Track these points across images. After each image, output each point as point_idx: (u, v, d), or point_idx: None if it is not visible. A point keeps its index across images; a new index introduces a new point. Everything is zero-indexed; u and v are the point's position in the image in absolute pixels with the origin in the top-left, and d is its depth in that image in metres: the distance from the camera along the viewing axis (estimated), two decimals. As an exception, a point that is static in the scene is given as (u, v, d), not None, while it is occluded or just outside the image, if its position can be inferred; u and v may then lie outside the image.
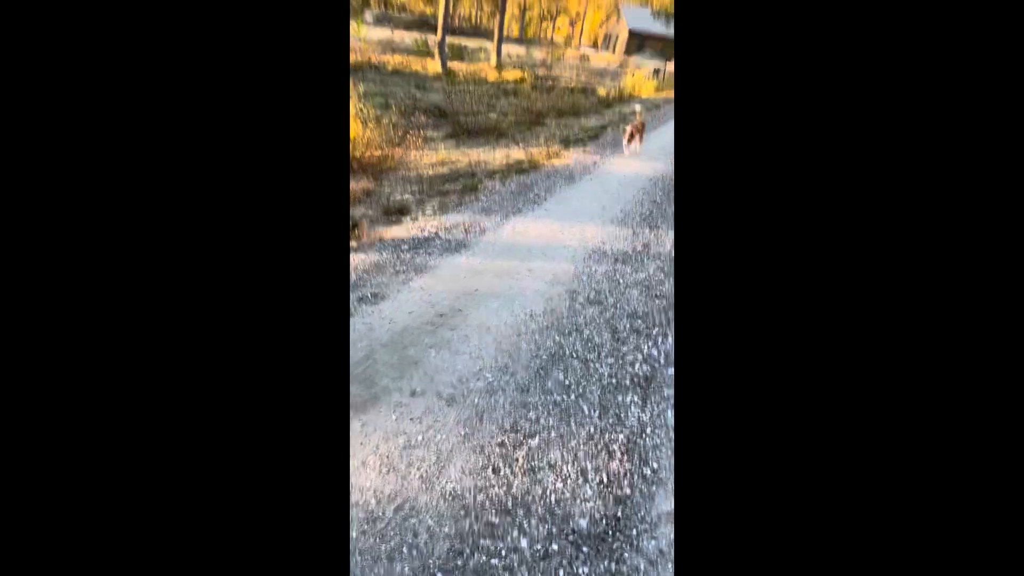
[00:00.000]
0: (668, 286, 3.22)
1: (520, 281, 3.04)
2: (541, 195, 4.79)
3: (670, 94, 14.85)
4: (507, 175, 5.43)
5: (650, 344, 2.56)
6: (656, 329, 2.71)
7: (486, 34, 31.66)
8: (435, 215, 4.04)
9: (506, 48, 22.31)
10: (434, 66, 13.62)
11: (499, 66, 15.43)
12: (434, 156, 6.14)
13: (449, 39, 17.02)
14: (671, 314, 2.87)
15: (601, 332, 2.62)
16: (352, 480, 1.64)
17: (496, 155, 6.40)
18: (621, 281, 3.22)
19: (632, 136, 6.87)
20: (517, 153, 6.43)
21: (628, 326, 2.71)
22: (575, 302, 2.88)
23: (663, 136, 8.43)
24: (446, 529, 1.52)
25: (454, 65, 14.85)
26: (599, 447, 1.87)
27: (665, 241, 3.96)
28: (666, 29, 20.43)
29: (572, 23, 53.54)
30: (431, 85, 11.07)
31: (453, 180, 5.29)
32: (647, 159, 6.68)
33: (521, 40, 36.24)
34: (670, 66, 21.82)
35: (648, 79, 15.95)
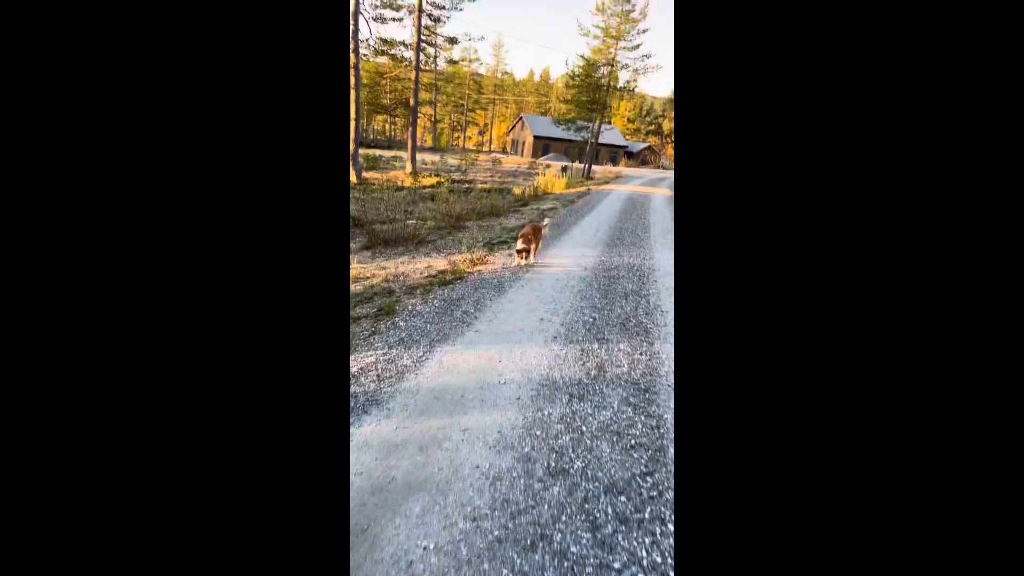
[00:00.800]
0: (640, 427, 2.50)
1: (454, 453, 2.18)
2: (470, 312, 4.06)
3: (581, 188, 15.41)
4: (429, 289, 4.70)
5: (648, 542, 1.76)
6: (647, 509, 1.92)
7: (400, 145, 32.66)
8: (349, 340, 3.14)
9: (421, 156, 22.80)
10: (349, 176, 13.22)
11: (415, 173, 15.38)
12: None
13: (364, 151, 16.97)
14: (658, 476, 2.12)
15: (577, 532, 1.79)
16: None
17: (417, 265, 5.71)
18: (584, 429, 2.45)
19: (526, 252, 5.62)
20: (439, 262, 5.78)
21: (610, 511, 1.90)
22: (532, 478, 2.05)
23: (585, 231, 8.26)
24: None
25: (369, 175, 14.58)
26: None
27: (620, 359, 3.31)
28: (566, 133, 22.00)
29: (481, 132, 57.52)
30: (345, 195, 10.50)
31: (367, 301, 4.47)
32: (577, 257, 6.30)
33: (435, 149, 37.83)
34: (576, 164, 23.25)
35: (558, 177, 16.60)
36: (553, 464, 2.15)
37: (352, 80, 13.01)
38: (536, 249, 5.82)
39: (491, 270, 5.46)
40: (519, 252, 5.61)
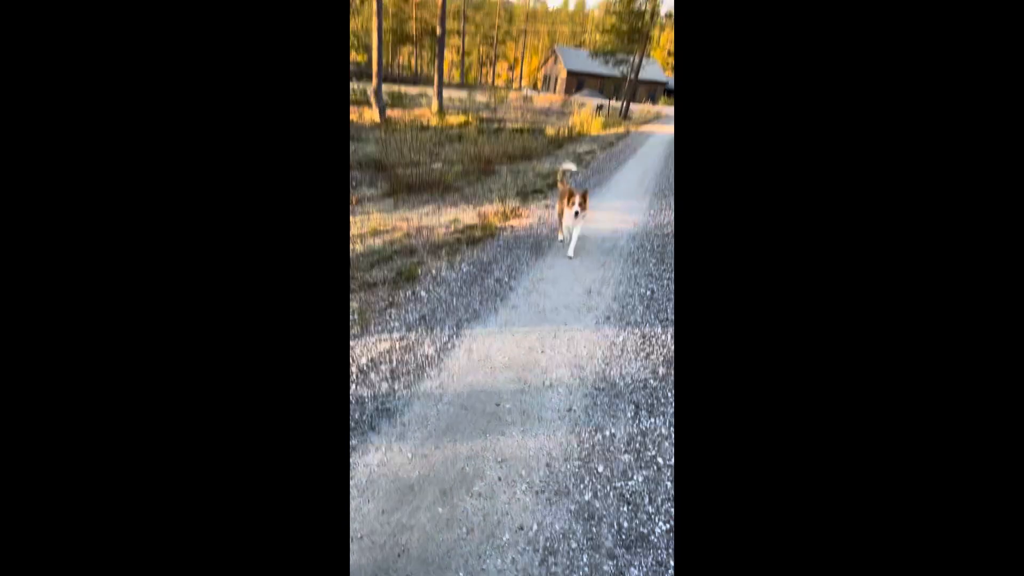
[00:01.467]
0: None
1: (488, 503, 1.58)
2: (504, 280, 3.39)
3: (619, 129, 14.07)
4: (456, 249, 4.03)
5: None
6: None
7: (426, 80, 30.94)
8: (350, 340, 2.56)
9: (447, 92, 21.37)
10: (371, 114, 12.29)
11: (441, 111, 14.28)
12: (365, 223, 4.69)
13: (388, 86, 15.85)
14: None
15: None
16: None
17: (442, 218, 5.01)
18: (661, 462, 1.82)
19: (573, 202, 3.71)
20: (467, 215, 5.06)
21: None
22: (598, 551, 1.45)
23: (629, 178, 7.31)
24: None
25: (393, 113, 13.58)
26: None
27: (693, 350, 2.63)
28: (603, 68, 20.09)
29: (511, 67, 54.36)
30: (367, 135, 9.68)
31: (386, 261, 3.84)
32: (623, 210, 5.46)
33: (463, 85, 35.80)
34: (613, 102, 21.46)
35: (593, 116, 15.19)
36: (626, 524, 1.54)
37: (374, 6, 11.75)
38: (584, 212, 3.79)
39: (525, 225, 4.72)
40: (566, 210, 3.78)
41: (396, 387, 2.15)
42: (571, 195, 3.75)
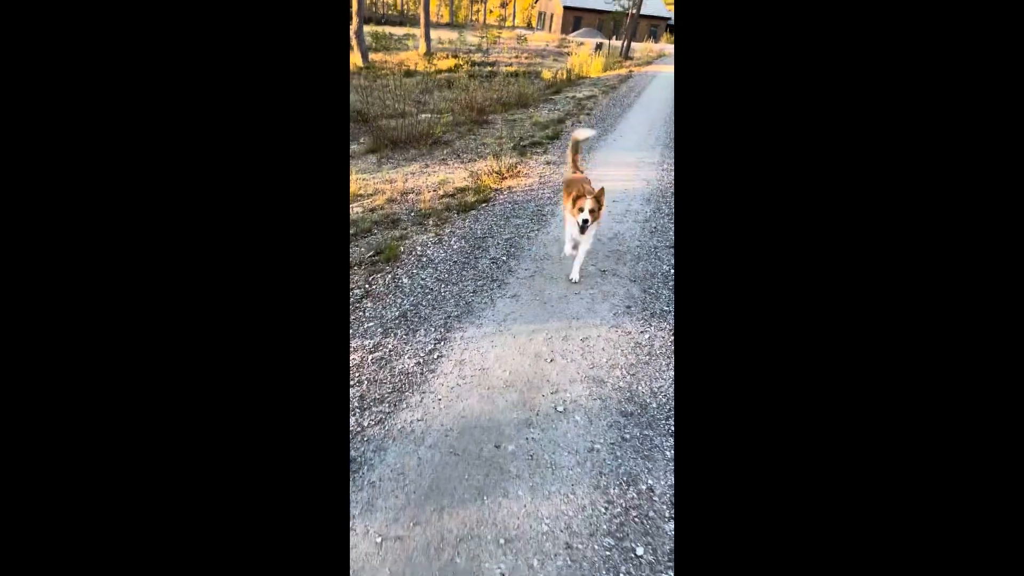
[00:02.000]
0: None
1: (488, 620, 1.11)
2: (501, 260, 2.82)
3: (621, 70, 12.91)
4: (445, 219, 3.43)
5: None
6: None
7: (413, 20, 28.69)
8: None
9: (436, 33, 19.70)
10: (353, 59, 11.16)
11: (429, 54, 13.04)
12: (341, 189, 4.04)
13: (370, 28, 14.47)
14: None
15: None
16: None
17: (430, 178, 4.36)
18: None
19: (581, 205, 2.29)
20: (458, 174, 4.40)
21: None
22: None
23: (635, 127, 6.54)
24: None
25: (376, 56, 12.38)
26: None
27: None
28: (602, 3, 18.37)
29: (504, 4, 50.71)
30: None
31: (364, 235, 3.26)
32: (632, 165, 4.79)
33: (452, 24, 33.34)
34: (613, 41, 19.85)
35: (592, 56, 13.92)
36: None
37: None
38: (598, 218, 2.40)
39: (524, 186, 4.08)
40: (580, 221, 2.31)
41: (364, 422, 1.64)
42: (580, 195, 2.32)
